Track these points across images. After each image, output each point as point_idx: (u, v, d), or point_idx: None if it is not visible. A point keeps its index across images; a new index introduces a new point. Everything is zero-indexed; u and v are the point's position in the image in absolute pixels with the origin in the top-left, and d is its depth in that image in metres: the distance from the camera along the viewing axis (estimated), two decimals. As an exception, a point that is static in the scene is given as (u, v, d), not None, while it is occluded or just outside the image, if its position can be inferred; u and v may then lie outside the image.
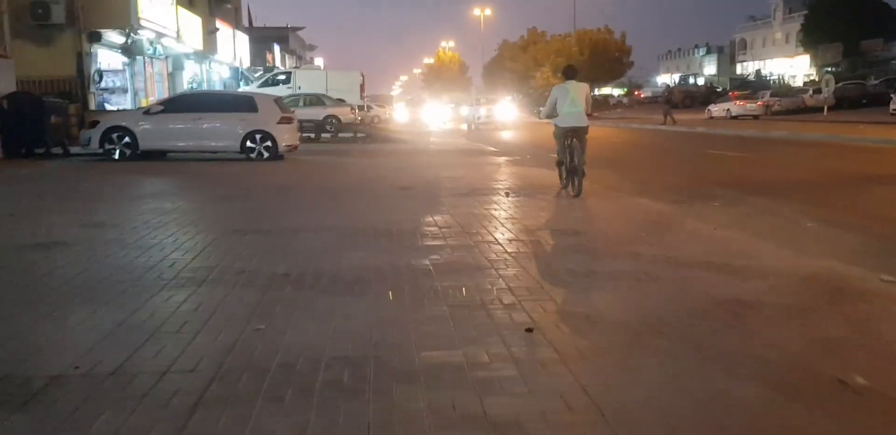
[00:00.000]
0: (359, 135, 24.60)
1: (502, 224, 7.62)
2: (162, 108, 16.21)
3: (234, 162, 15.68)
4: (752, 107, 42.35)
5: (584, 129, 9.65)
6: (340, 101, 30.10)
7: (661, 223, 7.76)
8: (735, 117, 41.09)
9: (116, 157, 15.91)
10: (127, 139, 15.90)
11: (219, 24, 33.61)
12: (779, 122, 32.75)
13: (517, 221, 7.88)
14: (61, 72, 21.78)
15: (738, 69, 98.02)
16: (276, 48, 54.37)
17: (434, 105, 51.45)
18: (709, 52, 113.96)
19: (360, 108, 33.24)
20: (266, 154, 16.00)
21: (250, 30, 49.85)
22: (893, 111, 33.53)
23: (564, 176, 10.13)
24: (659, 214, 8.48)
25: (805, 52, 72.90)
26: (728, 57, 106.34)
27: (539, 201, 9.51)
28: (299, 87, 32.11)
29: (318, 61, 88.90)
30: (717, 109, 44.48)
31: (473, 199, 9.65)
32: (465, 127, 32.72)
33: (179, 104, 16.43)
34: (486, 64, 75.09)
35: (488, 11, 76.84)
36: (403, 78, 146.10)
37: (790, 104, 45.96)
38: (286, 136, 16.28)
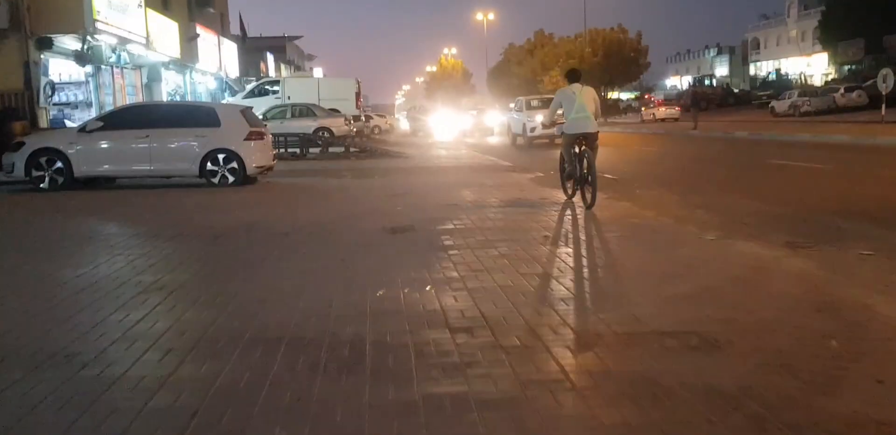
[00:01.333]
0: (352, 149, 21.41)
1: (562, 318, 4.39)
2: (101, 124, 13.09)
3: (190, 190, 12.56)
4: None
5: (595, 135, 9.04)
6: (334, 112, 27.01)
7: (825, 302, 4.56)
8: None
9: (46, 186, 12.80)
10: (59, 164, 12.78)
11: (200, 30, 30.59)
12: (826, 125, 29.39)
13: (586, 307, 4.68)
14: (5, 84, 18.74)
15: (752, 69, 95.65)
16: (270, 58, 51.43)
17: (443, 113, 47.93)
18: (720, 52, 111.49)
19: (357, 118, 30.13)
20: (231, 178, 12.90)
21: (243, 39, 46.91)
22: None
23: (571, 186, 9.51)
24: (801, 278, 5.27)
25: (823, 49, 69.93)
26: (740, 57, 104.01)
27: (607, 246, 6.32)
28: (289, 97, 29.07)
29: (318, 71, 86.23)
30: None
31: (501, 249, 6.45)
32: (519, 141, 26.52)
33: (123, 119, 13.27)
34: (490, 69, 72.02)
35: (491, 15, 74.32)
36: (406, 87, 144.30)
37: (821, 104, 42.79)
38: (256, 156, 13.17)
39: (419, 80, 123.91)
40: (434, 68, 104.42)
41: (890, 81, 25.94)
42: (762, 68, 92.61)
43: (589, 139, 8.96)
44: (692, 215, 8.57)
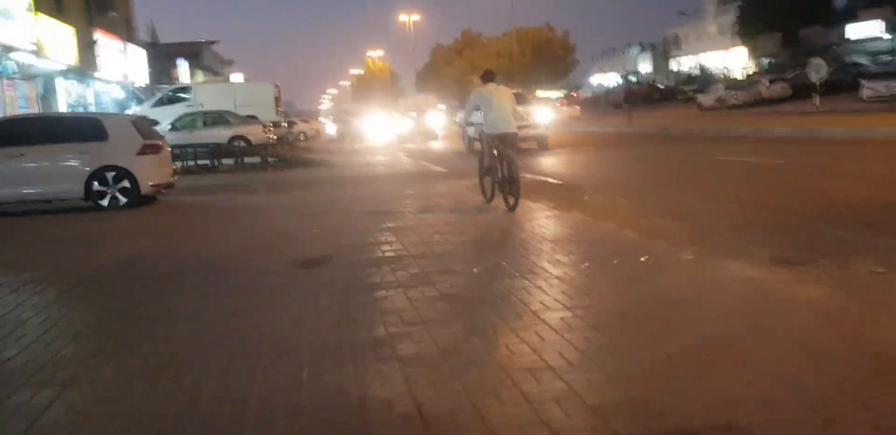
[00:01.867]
0: (271, 159, 19.68)
1: (537, 415, 3.03)
2: (-33, 143, 11.17)
3: (73, 215, 10.81)
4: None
5: (515, 136, 8.94)
6: (251, 119, 25.22)
7: (881, 355, 3.34)
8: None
9: None
10: (-89, 190, 10.87)
11: (101, 35, 28.32)
12: (760, 117, 28.99)
13: (569, 388, 3.33)
14: None
15: (674, 65, 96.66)
16: (185, 64, 48.91)
17: (376, 116, 46.05)
18: (643, 50, 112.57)
19: (277, 125, 28.37)
20: (123, 200, 11.18)
21: (154, 45, 44.52)
22: (868, 98, 30.27)
23: (490, 188, 9.19)
24: (825, 316, 4.07)
25: (742, 44, 71.23)
26: (661, 54, 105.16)
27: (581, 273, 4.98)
28: (202, 105, 27.07)
29: (237, 77, 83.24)
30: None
31: (439, 285, 5.07)
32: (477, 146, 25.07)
33: (-9, 135, 11.38)
34: (419, 72, 70.66)
35: (416, 17, 73.02)
36: (332, 91, 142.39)
37: (747, 97, 43.10)
38: (152, 173, 11.50)
39: (345, 83, 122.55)
40: (361, 71, 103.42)
41: (822, 71, 25.61)
42: (683, 64, 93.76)
43: (509, 139, 8.79)
44: (657, 226, 7.36)
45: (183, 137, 22.03)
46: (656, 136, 26.13)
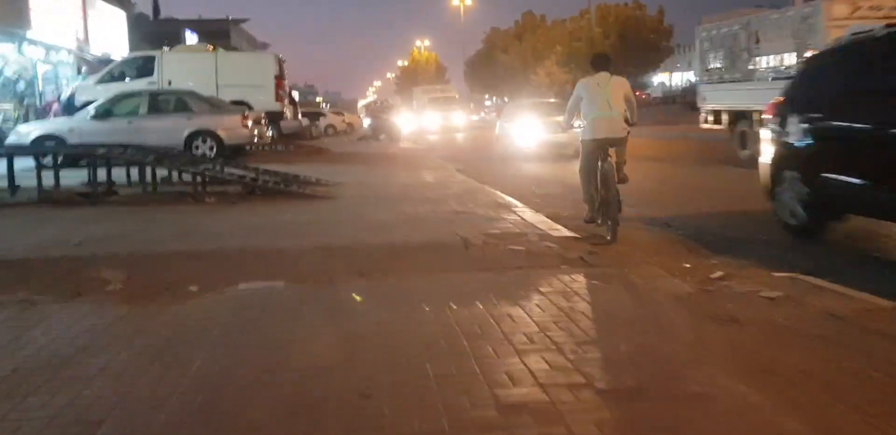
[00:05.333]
0: (255, 177, 10.76)
1: None
2: None
3: None
4: None
5: (623, 141, 7.03)
6: (236, 106, 17.25)
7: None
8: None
9: None
10: None
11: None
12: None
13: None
14: None
15: (751, 64, 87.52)
16: (195, 38, 41.19)
17: (419, 110, 40.30)
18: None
19: (276, 116, 20.25)
20: None
21: (155, 16, 37.08)
22: None
23: (586, 215, 7.14)
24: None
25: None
26: None
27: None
28: (169, 82, 19.07)
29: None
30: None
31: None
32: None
33: None
34: (468, 60, 62.14)
35: (469, 0, 64.72)
36: (377, 83, 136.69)
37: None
38: None
39: (390, 75, 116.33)
40: (406, 63, 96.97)
41: None
42: (761, 62, 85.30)
43: (616, 146, 6.98)
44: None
45: (110, 131, 14.14)
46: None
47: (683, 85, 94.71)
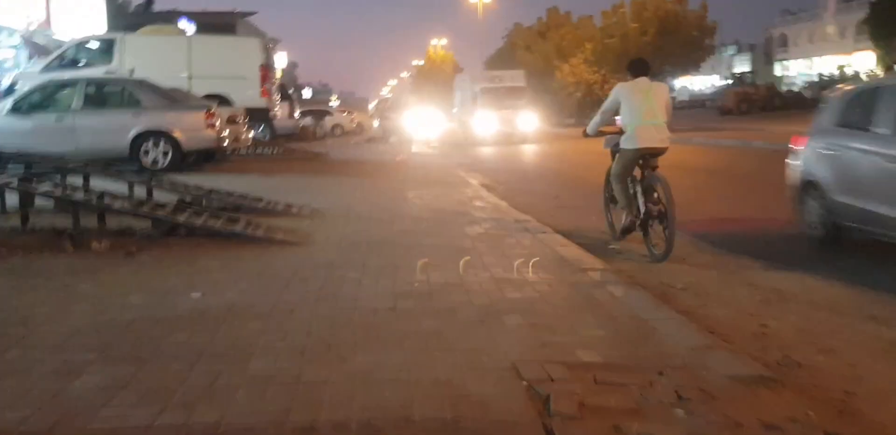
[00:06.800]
0: (189, 203, 7.30)
1: None
2: None
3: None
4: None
5: (664, 152, 6.74)
6: (206, 100, 13.94)
7: None
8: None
9: None
10: None
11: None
12: None
13: None
14: None
15: (778, 69, 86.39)
16: (192, 27, 37.86)
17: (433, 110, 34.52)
18: (739, 50, 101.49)
19: (260, 113, 16.89)
20: None
21: (146, 5, 33.89)
22: None
23: (626, 221, 6.76)
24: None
25: (873, 47, 59.41)
26: (762, 56, 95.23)
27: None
28: (132, 71, 15.70)
29: (281, 58, 72.66)
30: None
31: None
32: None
33: None
34: (488, 59, 58.64)
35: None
36: (392, 82, 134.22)
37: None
38: None
39: (405, 74, 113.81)
40: (422, 62, 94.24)
41: None
42: (790, 67, 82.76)
43: (657, 156, 6.69)
44: None
45: (31, 131, 10.92)
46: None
47: (705, 88, 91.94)
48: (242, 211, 7.61)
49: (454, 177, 13.20)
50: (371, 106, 68.56)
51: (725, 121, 36.60)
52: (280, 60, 73.61)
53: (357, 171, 14.05)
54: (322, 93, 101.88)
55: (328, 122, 36.45)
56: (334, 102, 76.04)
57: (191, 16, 46.27)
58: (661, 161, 6.67)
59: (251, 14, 60.34)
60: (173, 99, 13.00)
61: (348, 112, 43.31)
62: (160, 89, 12.98)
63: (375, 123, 37.84)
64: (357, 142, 28.41)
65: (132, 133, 11.96)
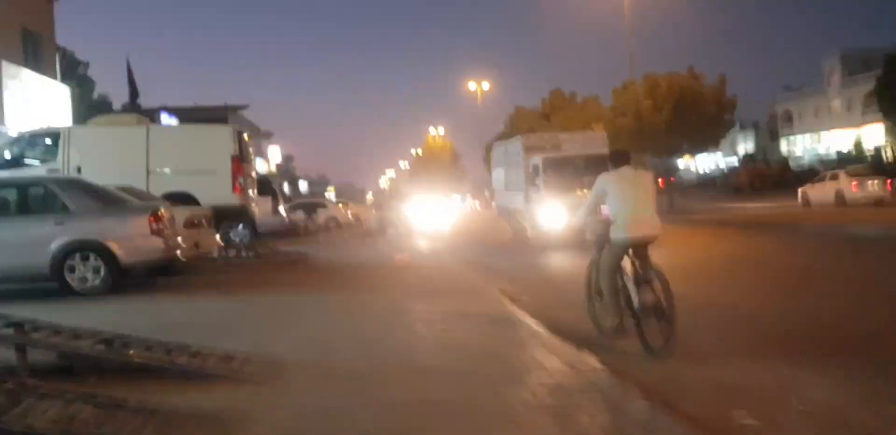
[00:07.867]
0: (78, 356, 4.33)
1: None
2: None
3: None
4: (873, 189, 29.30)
5: (655, 240, 6.57)
6: (168, 199, 11.27)
7: None
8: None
9: None
10: None
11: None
12: None
13: None
14: None
15: (784, 145, 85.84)
16: (174, 121, 36.14)
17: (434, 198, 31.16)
18: (742, 127, 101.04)
19: (239, 212, 14.22)
20: None
21: (132, 98, 32.13)
22: None
23: (613, 313, 6.41)
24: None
25: (882, 119, 58.83)
26: (766, 132, 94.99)
27: None
28: (79, 169, 13.07)
29: (274, 150, 71.18)
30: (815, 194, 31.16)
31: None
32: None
33: None
34: (488, 143, 57.18)
35: (486, 85, 60.37)
36: (390, 172, 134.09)
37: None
38: None
39: (403, 164, 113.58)
40: (420, 151, 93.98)
41: None
42: (796, 143, 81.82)
43: (646, 247, 6.49)
44: None
45: None
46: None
47: (709, 170, 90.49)
48: (149, 373, 4.67)
49: (467, 281, 10.25)
50: (368, 196, 66.64)
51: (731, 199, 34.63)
52: (273, 154, 72.18)
53: (345, 282, 11.06)
54: (319, 184, 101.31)
55: (321, 214, 33.88)
56: (330, 194, 74.45)
57: (180, 111, 44.65)
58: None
59: (243, 108, 59.12)
60: (111, 201, 10.18)
61: (343, 204, 40.88)
62: (96, 189, 10.16)
63: (373, 214, 35.43)
64: (350, 238, 25.63)
65: (54, 246, 9.29)
